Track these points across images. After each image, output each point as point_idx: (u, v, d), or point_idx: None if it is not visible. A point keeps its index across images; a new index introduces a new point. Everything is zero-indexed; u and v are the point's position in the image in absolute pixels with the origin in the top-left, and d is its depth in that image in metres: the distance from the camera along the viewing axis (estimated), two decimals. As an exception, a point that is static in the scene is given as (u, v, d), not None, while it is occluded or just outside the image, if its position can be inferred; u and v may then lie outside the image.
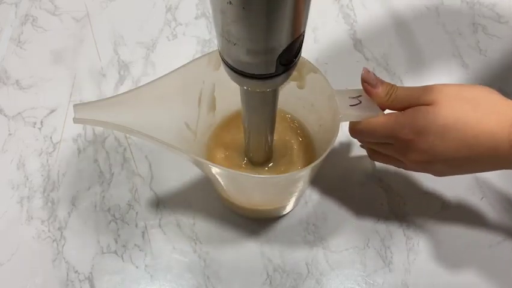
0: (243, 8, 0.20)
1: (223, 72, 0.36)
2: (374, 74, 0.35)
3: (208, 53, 0.35)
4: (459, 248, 0.41)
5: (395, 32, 0.55)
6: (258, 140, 0.36)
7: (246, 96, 0.30)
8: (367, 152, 0.40)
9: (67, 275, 0.39)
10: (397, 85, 0.35)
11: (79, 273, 0.39)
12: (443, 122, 0.31)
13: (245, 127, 0.34)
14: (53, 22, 0.56)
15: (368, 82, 0.35)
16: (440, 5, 0.57)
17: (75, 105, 0.30)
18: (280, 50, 0.23)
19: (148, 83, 0.33)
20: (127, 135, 0.47)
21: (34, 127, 0.48)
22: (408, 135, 0.32)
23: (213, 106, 0.39)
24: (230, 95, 0.39)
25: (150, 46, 0.54)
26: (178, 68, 0.34)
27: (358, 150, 0.46)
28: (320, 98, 0.36)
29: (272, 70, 0.25)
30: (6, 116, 0.48)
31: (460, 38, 0.54)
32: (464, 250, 0.41)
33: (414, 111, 0.32)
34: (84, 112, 0.30)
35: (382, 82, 0.35)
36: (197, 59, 0.35)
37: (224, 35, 0.23)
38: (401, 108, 0.34)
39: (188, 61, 0.34)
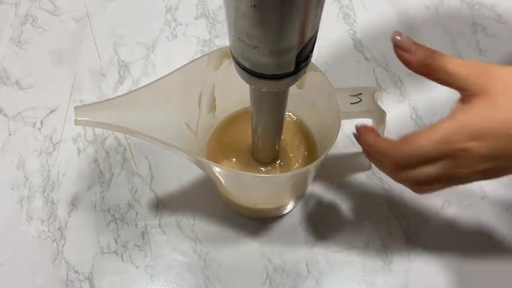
0: (268, 10, 0.20)
1: (222, 72, 0.36)
2: (406, 37, 0.29)
3: (208, 53, 0.35)
4: (459, 248, 0.41)
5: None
6: (267, 139, 0.36)
7: (257, 97, 0.30)
8: (409, 187, 0.31)
9: (67, 275, 0.39)
10: (438, 52, 0.29)
11: (79, 273, 0.39)
12: (504, 116, 0.25)
13: (253, 127, 0.34)
14: (53, 22, 0.56)
15: (400, 45, 0.29)
16: (440, 5, 0.57)
17: (76, 107, 0.30)
18: (300, 47, 0.23)
19: (149, 84, 0.33)
20: (127, 135, 0.47)
21: (34, 127, 0.48)
22: (464, 143, 0.26)
23: (213, 106, 0.39)
24: (230, 94, 0.39)
25: (150, 46, 0.54)
26: (178, 69, 0.34)
27: (358, 149, 0.46)
28: (320, 96, 0.36)
29: (291, 69, 0.24)
30: (6, 116, 0.48)
31: (460, 38, 0.54)
32: (464, 250, 0.41)
33: (465, 112, 0.27)
34: (85, 114, 0.30)
35: (419, 46, 0.29)
36: (197, 59, 0.35)
37: (243, 40, 0.23)
38: (440, 82, 0.28)
39: (188, 61, 0.34)
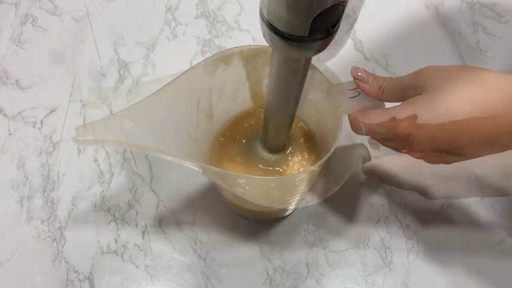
0: None
1: (218, 77, 0.36)
2: (363, 70, 0.34)
3: (204, 60, 0.35)
4: (459, 248, 0.41)
5: (395, 32, 0.55)
6: (280, 120, 0.35)
7: (277, 66, 0.29)
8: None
9: (67, 275, 0.39)
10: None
11: (79, 273, 0.40)
12: (438, 111, 0.29)
13: (268, 107, 0.34)
14: (53, 22, 0.56)
15: (358, 78, 0.34)
16: (440, 5, 0.57)
17: (76, 127, 0.30)
18: (318, 11, 0.23)
19: (148, 97, 0.33)
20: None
21: (34, 127, 0.48)
22: (406, 129, 0.31)
23: (210, 113, 0.39)
24: (226, 99, 0.39)
25: (150, 46, 0.54)
26: (176, 78, 0.33)
27: (356, 141, 0.46)
28: (318, 92, 0.36)
29: (305, 33, 0.24)
30: (6, 116, 0.48)
31: (460, 38, 0.54)
32: (464, 250, 0.41)
33: (409, 104, 0.31)
34: (86, 133, 0.30)
35: (374, 77, 0.34)
36: (194, 66, 0.34)
37: None
38: (398, 99, 0.33)
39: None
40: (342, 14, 0.25)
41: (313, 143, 0.41)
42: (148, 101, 0.33)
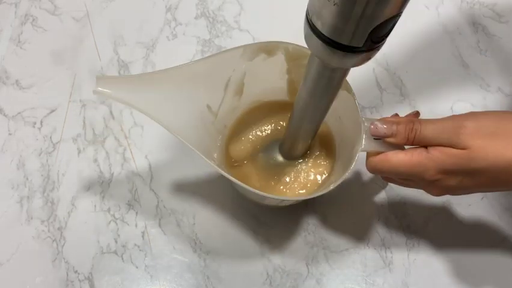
0: None
1: (256, 64, 0.36)
2: (381, 124, 0.32)
3: (244, 45, 0.35)
4: (459, 248, 0.41)
5: (394, 32, 0.55)
6: (307, 130, 0.35)
7: (313, 76, 0.29)
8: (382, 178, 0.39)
9: (67, 275, 0.39)
10: (415, 113, 0.34)
11: (78, 273, 0.40)
12: (475, 166, 0.29)
13: (295, 116, 0.34)
14: (53, 22, 0.56)
15: (381, 136, 0.33)
16: (440, 5, 0.57)
17: (98, 76, 0.29)
18: (377, 22, 0.22)
19: (176, 67, 0.32)
20: (127, 135, 0.47)
21: (34, 127, 0.48)
22: (435, 176, 0.31)
23: (239, 90, 0.39)
24: (258, 84, 0.39)
25: (150, 46, 0.54)
26: (209, 56, 0.34)
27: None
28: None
29: (360, 44, 0.23)
30: (6, 116, 0.48)
31: (460, 37, 0.54)
32: (464, 250, 0.41)
33: (443, 155, 0.30)
34: (106, 85, 0.29)
35: (397, 127, 0.32)
36: (231, 49, 0.34)
37: None
38: (428, 145, 0.32)
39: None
40: (395, 25, 0.24)
41: (330, 137, 0.41)
42: (174, 71, 0.32)
